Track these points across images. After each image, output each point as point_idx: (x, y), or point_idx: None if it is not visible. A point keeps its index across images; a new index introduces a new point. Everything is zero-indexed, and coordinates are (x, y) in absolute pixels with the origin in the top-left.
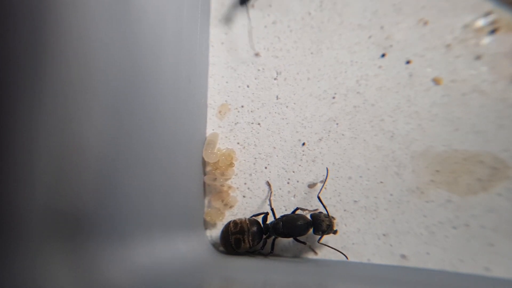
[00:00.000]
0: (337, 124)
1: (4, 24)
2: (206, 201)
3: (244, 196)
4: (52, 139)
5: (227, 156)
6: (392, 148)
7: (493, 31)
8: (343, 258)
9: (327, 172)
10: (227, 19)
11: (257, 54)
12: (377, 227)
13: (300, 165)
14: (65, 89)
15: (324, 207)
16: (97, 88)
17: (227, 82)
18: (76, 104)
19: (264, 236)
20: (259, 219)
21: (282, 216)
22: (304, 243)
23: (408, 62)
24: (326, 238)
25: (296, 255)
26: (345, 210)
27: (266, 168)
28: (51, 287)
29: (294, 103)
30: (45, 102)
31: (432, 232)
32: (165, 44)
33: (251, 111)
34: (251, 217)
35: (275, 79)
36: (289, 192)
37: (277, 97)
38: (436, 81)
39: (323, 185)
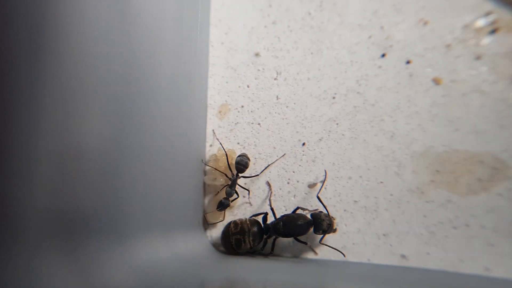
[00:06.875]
0: (337, 124)
1: (3, 24)
2: (206, 201)
3: (244, 196)
4: (52, 140)
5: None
6: (392, 148)
7: (493, 31)
8: (343, 258)
9: (326, 174)
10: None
11: (257, 54)
12: (377, 227)
13: (300, 165)
14: (64, 89)
15: (325, 207)
16: (97, 89)
17: (227, 82)
18: (75, 104)
19: (265, 236)
20: (259, 219)
21: (282, 216)
22: (305, 243)
23: (408, 62)
24: (325, 239)
25: (296, 255)
26: (345, 210)
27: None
28: None
29: (294, 103)
30: (44, 102)
31: (432, 232)
32: (165, 44)
33: (251, 111)
34: (251, 217)
35: (275, 79)
36: (289, 192)
37: (277, 97)
38: (436, 81)
39: (321, 186)
